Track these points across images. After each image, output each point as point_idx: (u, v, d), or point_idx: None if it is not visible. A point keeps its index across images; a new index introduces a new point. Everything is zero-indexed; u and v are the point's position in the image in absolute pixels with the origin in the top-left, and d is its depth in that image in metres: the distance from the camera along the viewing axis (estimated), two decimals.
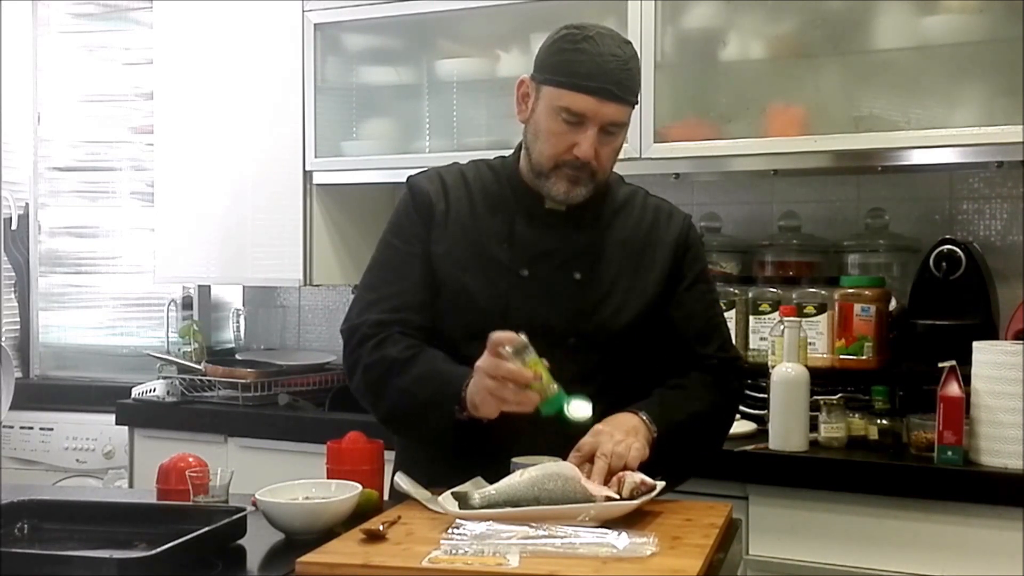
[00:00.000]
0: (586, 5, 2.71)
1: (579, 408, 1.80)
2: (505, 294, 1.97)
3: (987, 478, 2.30)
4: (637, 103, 1.97)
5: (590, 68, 1.87)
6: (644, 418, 1.89)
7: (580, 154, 1.90)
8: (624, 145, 2.75)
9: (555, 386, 1.77)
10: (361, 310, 2.02)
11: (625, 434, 1.83)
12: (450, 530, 1.59)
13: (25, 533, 1.71)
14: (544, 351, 1.79)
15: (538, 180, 1.97)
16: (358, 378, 2.00)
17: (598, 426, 1.85)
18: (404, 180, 2.10)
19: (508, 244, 2.00)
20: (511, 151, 2.08)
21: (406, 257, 2.02)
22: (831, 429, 2.53)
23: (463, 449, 1.87)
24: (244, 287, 3.90)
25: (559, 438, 1.82)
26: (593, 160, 1.92)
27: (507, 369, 1.75)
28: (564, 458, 1.79)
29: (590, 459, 1.80)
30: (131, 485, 3.40)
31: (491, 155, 2.14)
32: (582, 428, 1.82)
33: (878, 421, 2.56)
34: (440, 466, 1.90)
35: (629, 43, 1.94)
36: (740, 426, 2.55)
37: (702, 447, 2.06)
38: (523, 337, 1.76)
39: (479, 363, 1.80)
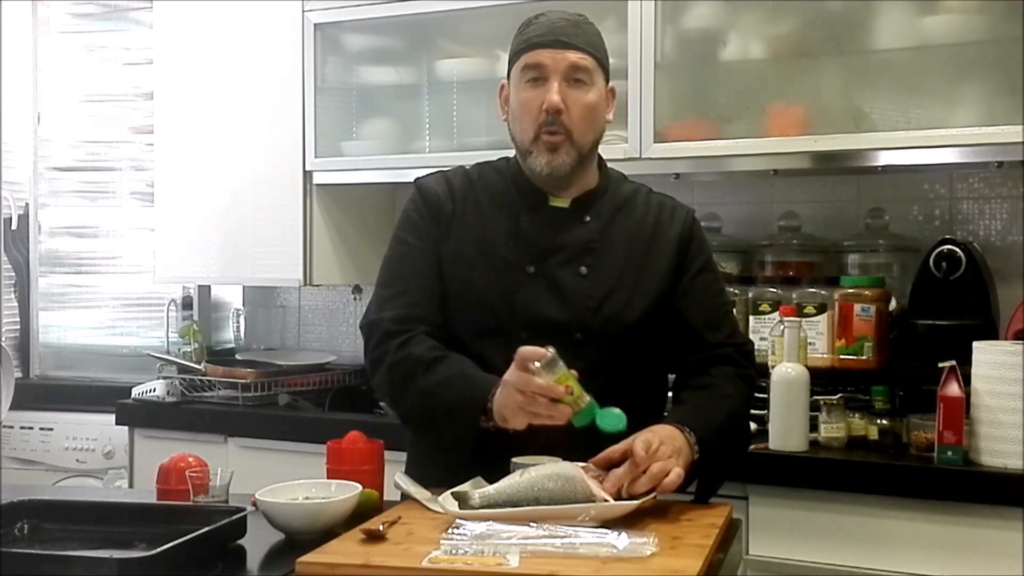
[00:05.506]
0: (586, 5, 2.71)
1: (612, 420, 1.78)
2: (512, 291, 1.98)
3: (987, 478, 2.30)
4: (602, 58, 2.01)
5: (542, 29, 1.97)
6: (689, 437, 1.85)
7: (548, 105, 1.93)
8: (623, 145, 2.80)
9: (587, 398, 1.76)
10: (379, 306, 2.03)
11: (671, 454, 1.80)
12: (450, 530, 1.59)
13: (25, 533, 1.71)
14: (551, 346, 1.78)
15: (525, 162, 2.01)
16: (382, 375, 1.99)
17: (646, 435, 1.81)
18: (403, 180, 2.11)
19: (514, 241, 2.01)
20: (511, 151, 2.09)
21: (420, 254, 2.03)
22: (831, 429, 2.53)
23: (480, 457, 1.86)
24: (244, 287, 3.89)
25: (559, 438, 1.82)
26: (565, 114, 1.94)
27: (537, 384, 1.74)
28: (566, 458, 1.78)
29: (616, 461, 1.78)
30: (131, 485, 3.39)
31: (491, 155, 2.17)
32: (615, 436, 1.79)
33: (878, 421, 2.56)
34: (453, 467, 1.88)
35: (583, 16, 2.02)
36: None
37: (740, 444, 2.07)
38: (551, 351, 1.75)
39: (507, 377, 1.79)
